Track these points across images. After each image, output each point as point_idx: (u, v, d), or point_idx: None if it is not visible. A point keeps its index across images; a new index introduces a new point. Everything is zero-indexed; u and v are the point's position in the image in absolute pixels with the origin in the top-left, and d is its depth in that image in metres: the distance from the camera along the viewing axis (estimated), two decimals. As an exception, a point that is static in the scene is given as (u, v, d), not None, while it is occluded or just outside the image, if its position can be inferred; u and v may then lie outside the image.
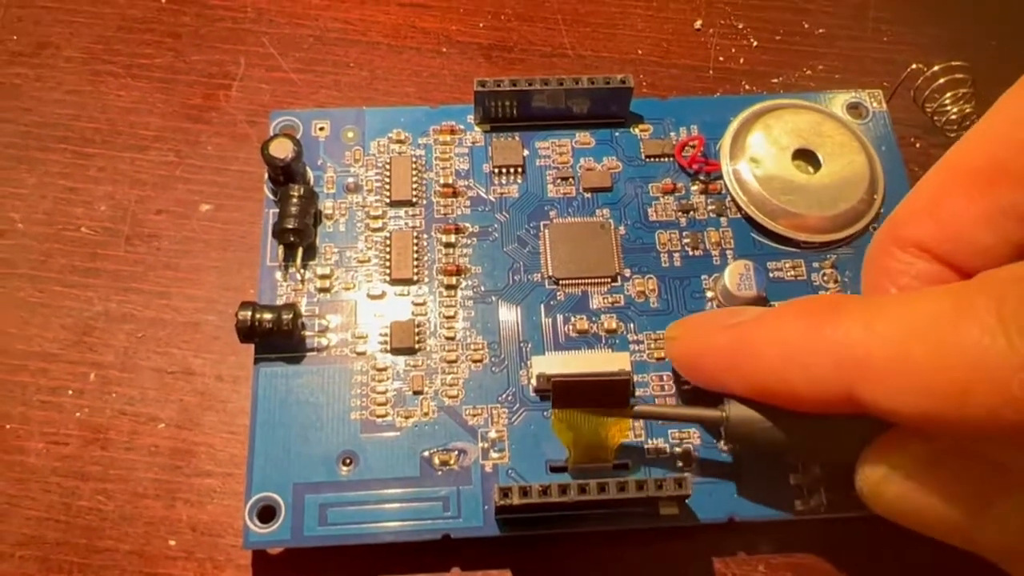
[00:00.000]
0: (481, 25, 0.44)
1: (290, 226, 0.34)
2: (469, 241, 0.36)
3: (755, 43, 0.44)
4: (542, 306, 0.35)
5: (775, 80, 0.43)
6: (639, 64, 0.43)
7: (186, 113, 0.41)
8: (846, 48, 0.44)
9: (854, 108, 0.40)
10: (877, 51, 0.44)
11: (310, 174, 0.37)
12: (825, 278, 0.36)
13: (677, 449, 0.32)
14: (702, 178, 0.38)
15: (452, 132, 0.39)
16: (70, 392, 0.35)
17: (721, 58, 0.44)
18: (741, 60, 0.44)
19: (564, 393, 0.30)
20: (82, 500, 0.33)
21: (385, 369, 0.34)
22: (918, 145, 0.41)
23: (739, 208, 0.37)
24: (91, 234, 0.38)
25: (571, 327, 0.35)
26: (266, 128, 0.39)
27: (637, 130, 0.39)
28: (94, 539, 0.32)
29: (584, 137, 0.39)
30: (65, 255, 0.38)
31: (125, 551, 0.32)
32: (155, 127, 0.41)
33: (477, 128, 0.39)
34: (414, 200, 0.37)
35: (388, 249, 0.36)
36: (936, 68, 0.39)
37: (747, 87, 0.43)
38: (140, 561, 0.32)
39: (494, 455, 0.32)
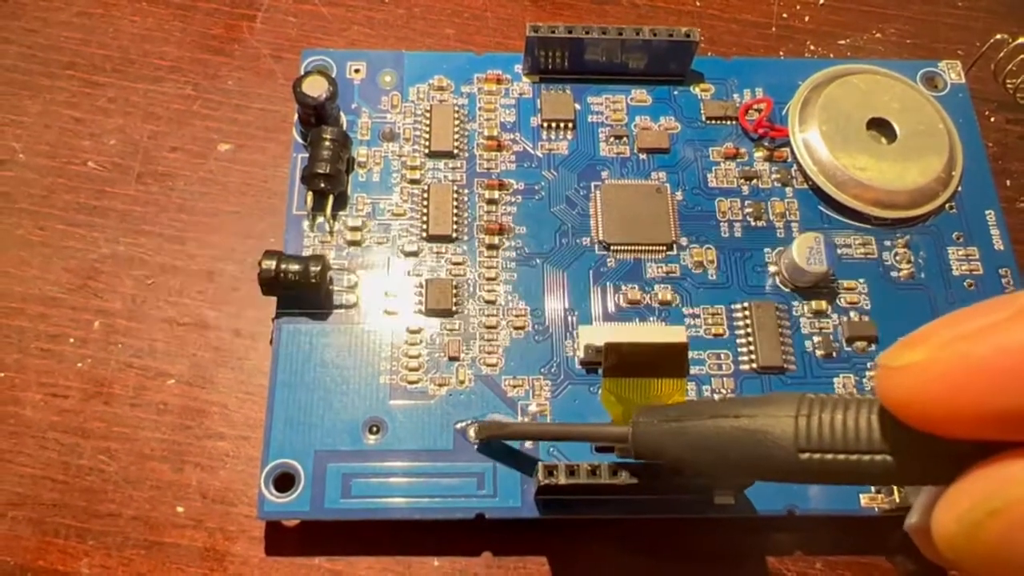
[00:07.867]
0: (527, -33, 0.41)
1: (321, 171, 0.31)
2: (513, 199, 0.34)
3: (821, 0, 0.41)
4: (591, 272, 0.32)
5: (842, 42, 0.40)
6: (697, 17, 0.40)
7: (206, 44, 0.38)
8: (918, 12, 0.41)
9: (929, 79, 0.37)
10: (951, 17, 0.41)
11: (343, 118, 0.34)
12: (898, 258, 0.33)
13: (735, 434, 0.30)
14: (767, 144, 0.35)
15: (498, 81, 0.36)
16: (72, 340, 0.32)
17: (785, 15, 0.41)
18: (806, 18, 0.41)
19: (616, 359, 0.28)
20: (82, 459, 0.30)
21: (418, 331, 0.31)
22: (992, 119, 0.39)
23: (806, 178, 0.34)
24: (99, 169, 0.35)
25: (622, 296, 0.32)
26: (293, 65, 0.36)
27: (698, 89, 0.36)
28: (94, 502, 0.30)
29: (640, 94, 0.36)
30: (70, 191, 0.34)
31: (128, 516, 0.29)
32: (171, 57, 0.37)
33: (525, 79, 0.36)
34: (455, 152, 0.34)
35: (425, 203, 0.33)
36: (1021, 40, 0.36)
37: (812, 47, 0.40)
38: (144, 528, 0.29)
39: (535, 431, 0.30)
